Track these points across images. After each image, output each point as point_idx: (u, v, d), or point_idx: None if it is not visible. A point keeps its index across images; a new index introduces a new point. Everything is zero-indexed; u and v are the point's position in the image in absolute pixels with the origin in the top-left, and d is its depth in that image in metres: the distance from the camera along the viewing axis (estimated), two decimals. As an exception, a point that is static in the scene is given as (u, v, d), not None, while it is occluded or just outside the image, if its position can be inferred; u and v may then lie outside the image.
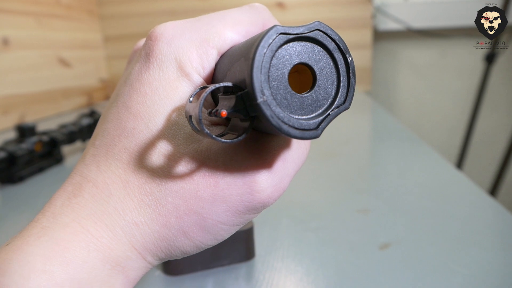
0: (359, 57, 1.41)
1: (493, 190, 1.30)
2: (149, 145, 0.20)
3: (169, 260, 0.35)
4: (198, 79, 0.21)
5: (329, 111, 0.17)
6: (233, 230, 0.21)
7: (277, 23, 0.24)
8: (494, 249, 0.37)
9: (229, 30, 0.21)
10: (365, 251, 0.38)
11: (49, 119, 1.15)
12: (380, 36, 1.52)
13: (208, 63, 0.21)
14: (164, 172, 0.20)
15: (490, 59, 1.24)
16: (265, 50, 0.16)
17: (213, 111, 0.17)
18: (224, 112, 0.17)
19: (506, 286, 0.32)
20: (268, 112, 0.16)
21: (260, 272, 0.36)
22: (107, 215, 0.19)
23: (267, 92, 0.16)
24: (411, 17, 1.43)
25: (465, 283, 0.33)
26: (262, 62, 0.16)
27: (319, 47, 0.17)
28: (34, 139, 0.67)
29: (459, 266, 0.35)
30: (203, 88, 0.18)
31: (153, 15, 1.47)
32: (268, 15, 0.24)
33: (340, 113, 0.18)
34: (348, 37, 1.40)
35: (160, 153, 0.20)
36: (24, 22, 1.10)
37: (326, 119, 0.17)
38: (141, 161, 0.20)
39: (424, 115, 1.58)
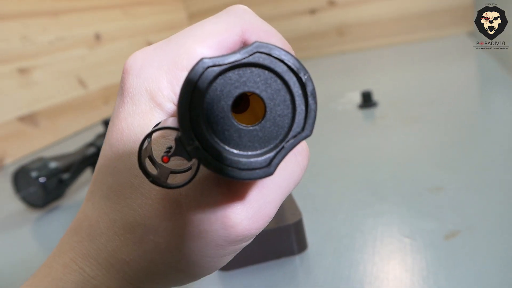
0: (457, -6, 1.25)
1: None
2: (129, 184, 0.20)
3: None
4: (171, 107, 0.20)
5: (283, 143, 0.15)
6: (225, 260, 0.21)
7: (259, 25, 0.21)
8: None
9: (199, 46, 0.20)
10: (428, 241, 0.35)
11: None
12: (483, -35, 1.32)
13: (179, 88, 0.20)
14: (143, 210, 0.19)
15: None
16: (190, 89, 0.14)
17: (164, 152, 0.16)
18: (165, 157, 0.16)
19: None
20: (203, 158, 0.15)
21: (309, 266, 0.35)
22: (100, 254, 0.20)
23: (202, 134, 0.15)
24: None
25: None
26: (190, 103, 0.14)
27: (266, 71, 0.15)
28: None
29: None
30: (155, 126, 0.17)
31: (232, -16, 1.45)
32: (248, 17, 0.21)
33: (298, 143, 0.15)
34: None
35: (138, 192, 0.20)
36: (112, 15, 1.17)
37: (280, 153, 0.15)
38: (123, 200, 0.20)
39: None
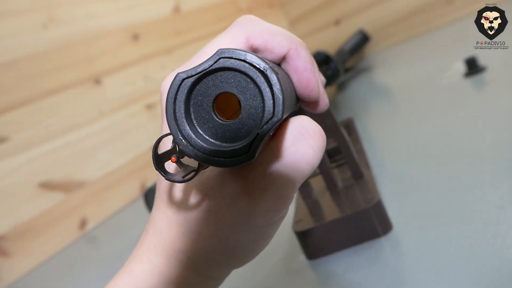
0: None
1: None
2: (172, 184, 0.24)
3: (307, 244, 0.38)
4: None
5: (258, 130, 0.17)
6: (261, 242, 0.23)
7: (262, 29, 0.24)
8: None
9: None
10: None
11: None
12: None
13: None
14: (185, 205, 0.23)
15: None
16: (172, 100, 0.17)
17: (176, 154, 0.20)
18: (173, 158, 0.19)
19: None
20: (192, 154, 0.18)
21: (395, 246, 0.35)
22: (161, 246, 0.24)
23: (189, 134, 0.18)
24: None
25: None
26: (174, 111, 0.17)
27: (233, 72, 0.17)
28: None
29: None
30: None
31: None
32: (252, 24, 0.24)
33: (271, 127, 0.17)
34: None
35: (179, 190, 0.23)
36: (217, 40, 1.27)
37: (257, 139, 0.17)
38: (172, 198, 0.24)
39: None
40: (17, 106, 0.82)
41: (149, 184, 0.98)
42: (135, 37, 1.06)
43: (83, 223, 0.87)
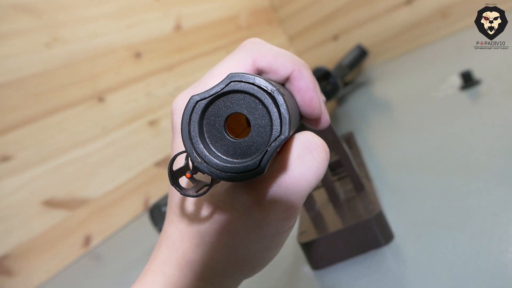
0: None
1: None
2: (185, 198, 0.25)
3: (312, 255, 0.39)
4: None
5: (267, 147, 0.19)
6: (271, 252, 0.24)
7: (267, 51, 0.25)
8: None
9: None
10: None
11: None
12: None
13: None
14: (197, 218, 0.24)
15: None
16: (187, 121, 0.19)
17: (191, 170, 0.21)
18: (187, 174, 0.20)
19: None
20: (206, 170, 0.19)
21: (397, 255, 0.36)
22: (174, 258, 0.25)
23: (203, 152, 0.19)
24: None
25: None
26: (189, 131, 0.19)
27: (243, 94, 0.19)
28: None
29: None
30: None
31: (323, -2, 1.48)
32: (257, 47, 0.25)
33: (279, 144, 0.18)
34: None
35: (191, 203, 0.25)
36: (218, 57, 1.29)
37: (266, 155, 0.19)
38: (184, 212, 0.25)
39: None
40: (21, 124, 0.83)
41: (152, 200, 0.99)
42: (137, 55, 1.08)
43: (87, 240, 0.87)
